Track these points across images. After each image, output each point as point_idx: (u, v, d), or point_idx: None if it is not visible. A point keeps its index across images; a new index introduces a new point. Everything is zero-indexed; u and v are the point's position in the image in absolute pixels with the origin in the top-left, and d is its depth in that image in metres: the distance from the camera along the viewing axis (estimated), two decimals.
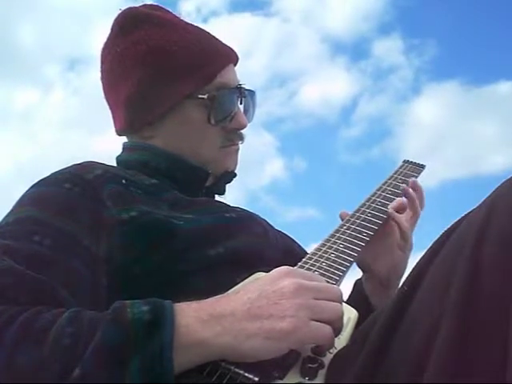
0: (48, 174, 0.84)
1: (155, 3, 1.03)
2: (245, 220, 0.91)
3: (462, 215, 0.63)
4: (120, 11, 0.99)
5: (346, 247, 0.85)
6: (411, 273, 0.64)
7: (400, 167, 1.08)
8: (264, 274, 0.75)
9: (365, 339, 0.62)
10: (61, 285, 0.67)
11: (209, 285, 0.73)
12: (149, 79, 0.94)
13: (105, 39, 0.99)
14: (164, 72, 0.93)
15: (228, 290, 0.69)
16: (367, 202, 0.98)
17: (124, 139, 1.02)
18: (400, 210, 0.98)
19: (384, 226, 0.94)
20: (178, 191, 0.90)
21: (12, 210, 0.78)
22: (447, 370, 0.52)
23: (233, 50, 1.01)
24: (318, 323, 0.60)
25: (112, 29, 0.99)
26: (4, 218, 0.76)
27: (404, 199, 1.00)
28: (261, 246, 0.88)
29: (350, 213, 0.96)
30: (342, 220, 0.95)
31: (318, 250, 0.84)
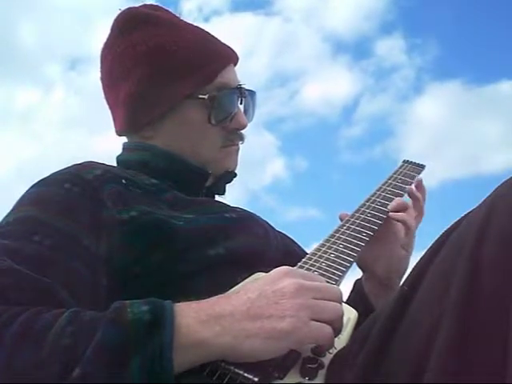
0: (49, 173, 0.84)
1: (155, 3, 1.03)
2: (245, 220, 0.91)
3: (462, 215, 0.63)
4: (120, 11, 0.99)
5: (345, 247, 0.85)
6: (411, 273, 0.64)
7: (400, 167, 1.08)
8: (264, 274, 0.75)
9: (365, 339, 0.62)
10: (61, 285, 0.67)
11: (209, 285, 0.73)
12: (149, 79, 0.94)
13: (105, 39, 0.99)
14: (164, 72, 0.94)
15: (228, 290, 0.69)
16: (367, 202, 0.98)
17: (124, 139, 1.02)
18: (400, 209, 0.98)
19: (384, 225, 0.94)
20: (178, 191, 0.90)
21: (12, 210, 0.78)
22: (447, 369, 0.52)
23: (233, 50, 1.01)
24: (318, 323, 0.60)
25: (112, 29, 0.99)
26: (4, 218, 0.76)
27: (404, 199, 1.00)
28: (261, 247, 0.88)
29: (350, 213, 0.96)
30: (342, 221, 0.95)
31: (318, 250, 0.84)
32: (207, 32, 1.01)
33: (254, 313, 0.59)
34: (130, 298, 0.62)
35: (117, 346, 0.56)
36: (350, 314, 0.71)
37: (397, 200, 0.97)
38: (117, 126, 1.01)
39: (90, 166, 0.85)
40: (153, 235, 0.78)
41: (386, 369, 0.58)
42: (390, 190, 1.00)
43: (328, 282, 0.74)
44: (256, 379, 0.58)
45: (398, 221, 0.95)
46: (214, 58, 0.96)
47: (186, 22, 1.00)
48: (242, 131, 1.00)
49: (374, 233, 0.90)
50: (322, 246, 0.85)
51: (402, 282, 0.68)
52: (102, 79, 1.00)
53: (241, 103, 0.99)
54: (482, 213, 0.58)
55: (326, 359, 0.63)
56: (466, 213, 0.63)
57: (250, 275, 0.77)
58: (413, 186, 1.02)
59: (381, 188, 1.01)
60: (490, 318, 0.52)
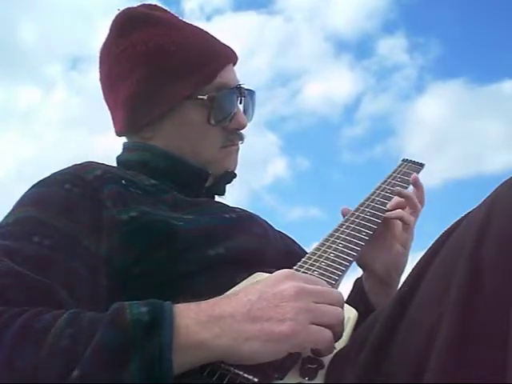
0: (49, 174, 0.84)
1: (154, 3, 1.03)
2: (245, 220, 0.91)
3: (463, 215, 0.63)
4: (118, 11, 0.99)
5: (345, 246, 0.85)
6: (411, 273, 0.64)
7: (399, 166, 1.08)
8: (264, 274, 0.75)
9: (365, 339, 0.62)
10: (60, 285, 0.67)
11: (209, 285, 0.73)
12: (148, 80, 0.94)
13: (103, 40, 0.99)
14: (163, 72, 0.93)
15: (228, 290, 0.69)
16: (366, 201, 0.98)
17: (124, 139, 1.02)
18: (399, 207, 0.98)
19: (382, 223, 0.94)
20: (178, 192, 0.90)
21: (12, 211, 0.78)
22: (447, 369, 0.52)
23: (232, 50, 1.01)
24: (318, 327, 0.60)
25: (111, 29, 0.99)
26: (4, 219, 0.77)
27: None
28: (261, 247, 0.88)
29: (351, 211, 0.96)
30: (344, 216, 0.95)
31: (318, 249, 0.84)
32: (206, 32, 1.00)
33: (254, 315, 0.59)
34: (129, 298, 0.62)
35: (116, 347, 0.56)
36: (350, 314, 0.71)
37: (395, 199, 0.97)
38: (116, 127, 1.01)
39: (89, 166, 0.85)
40: (153, 236, 0.78)
41: (386, 369, 0.58)
42: (389, 189, 1.00)
43: (327, 282, 0.74)
44: (256, 380, 0.58)
45: (395, 218, 0.95)
46: (213, 58, 0.96)
47: (185, 22, 1.00)
48: (242, 131, 1.00)
49: (374, 232, 0.90)
50: (322, 245, 0.85)
51: (402, 282, 0.68)
52: (101, 80, 1.00)
53: (240, 103, 0.99)
54: (482, 213, 0.58)
55: (326, 359, 0.63)
56: (466, 213, 0.63)
57: (249, 275, 0.77)
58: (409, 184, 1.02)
59: (380, 187, 1.01)
60: (490, 317, 0.52)
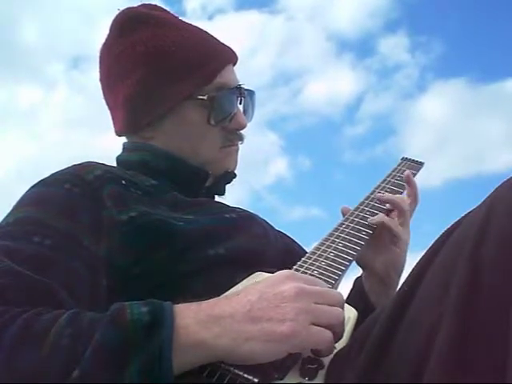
0: (49, 173, 0.84)
1: (154, 3, 1.03)
2: (245, 220, 0.91)
3: (463, 215, 0.63)
4: (118, 11, 0.99)
5: (344, 246, 0.84)
6: (411, 273, 0.64)
7: (398, 165, 1.08)
8: (264, 274, 0.75)
9: (365, 339, 0.62)
10: (60, 285, 0.67)
11: (209, 285, 0.73)
12: (148, 80, 0.94)
13: (103, 40, 0.99)
14: (163, 72, 0.93)
15: (228, 290, 0.69)
16: (366, 200, 0.98)
17: (124, 139, 1.02)
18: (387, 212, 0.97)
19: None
20: (178, 192, 0.90)
21: (12, 211, 0.78)
22: (447, 369, 0.52)
23: (232, 50, 1.01)
24: (318, 328, 0.60)
25: (111, 29, 0.99)
26: (4, 219, 0.77)
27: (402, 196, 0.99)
28: (261, 247, 0.88)
29: (351, 210, 0.96)
30: (344, 215, 0.95)
31: (317, 249, 0.84)
32: (206, 32, 1.00)
33: (254, 315, 0.59)
34: (129, 298, 0.62)
35: (116, 347, 0.56)
36: (350, 314, 0.71)
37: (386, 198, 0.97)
38: (116, 127, 1.01)
39: (89, 166, 0.85)
40: (152, 236, 0.78)
41: (386, 369, 0.58)
42: (388, 188, 1.00)
43: (327, 282, 0.74)
44: (256, 380, 0.58)
45: (376, 224, 0.93)
46: (213, 58, 0.96)
47: (184, 22, 1.00)
48: (242, 131, 1.00)
49: (374, 232, 0.90)
50: (321, 244, 0.85)
51: (402, 282, 0.68)
52: (101, 80, 1.00)
53: (240, 103, 0.99)
54: (482, 213, 0.58)
55: (326, 359, 0.63)
56: (466, 213, 0.63)
57: (249, 275, 0.77)
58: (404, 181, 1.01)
59: (379, 186, 1.01)
60: (490, 317, 0.52)
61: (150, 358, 0.55)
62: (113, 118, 1.01)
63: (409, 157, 1.10)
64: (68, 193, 0.79)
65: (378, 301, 0.96)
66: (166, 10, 1.01)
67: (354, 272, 1.02)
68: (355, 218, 0.93)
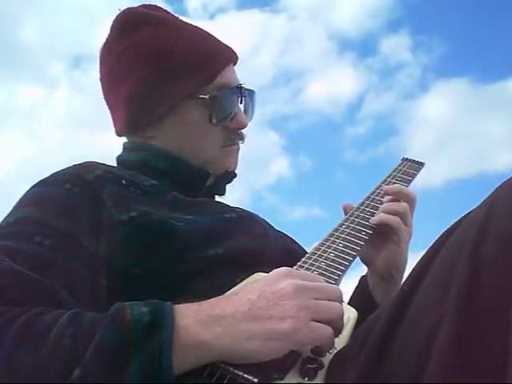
0: (50, 173, 0.84)
1: (154, 3, 1.03)
2: (245, 220, 0.91)
3: (463, 215, 0.63)
4: (119, 11, 0.99)
5: (345, 246, 0.85)
6: (411, 273, 0.64)
7: (399, 165, 1.08)
8: (263, 274, 0.75)
9: (365, 339, 0.62)
10: (61, 285, 0.67)
11: (209, 285, 0.73)
12: (149, 80, 0.94)
13: (104, 40, 0.99)
14: (164, 72, 0.94)
15: (228, 290, 0.69)
16: (366, 200, 0.98)
17: (124, 139, 1.02)
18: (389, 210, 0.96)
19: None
20: (179, 191, 0.90)
21: (12, 211, 0.78)
22: (447, 370, 0.52)
23: (233, 50, 1.01)
24: (319, 324, 0.60)
25: (111, 29, 0.99)
26: (4, 219, 0.77)
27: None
28: (261, 247, 0.88)
29: (353, 206, 0.96)
30: (346, 212, 0.95)
31: (318, 249, 0.84)
32: (207, 32, 1.01)
33: (255, 314, 0.59)
34: (129, 298, 0.62)
35: (117, 347, 0.56)
36: (350, 314, 0.71)
37: (383, 200, 0.97)
38: (117, 127, 1.01)
39: (90, 166, 0.85)
40: (153, 236, 0.78)
41: (386, 369, 0.58)
42: None
43: (327, 282, 0.74)
44: (255, 380, 0.58)
45: (378, 223, 0.93)
46: (214, 58, 0.96)
47: (185, 22, 1.00)
48: (242, 131, 1.00)
49: (374, 232, 0.90)
50: (322, 245, 0.85)
51: (402, 282, 0.68)
52: (102, 80, 1.00)
53: (241, 103, 0.99)
54: (482, 213, 0.58)
55: (326, 359, 0.63)
56: (466, 213, 0.63)
57: (249, 275, 0.77)
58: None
59: (380, 187, 1.01)
60: (490, 318, 0.52)
61: (150, 358, 0.55)
62: (113, 118, 1.01)
63: (409, 157, 1.10)
64: (68, 193, 0.79)
65: (382, 298, 0.96)
66: (166, 11, 1.02)
67: (356, 272, 1.03)
68: (355, 218, 0.93)
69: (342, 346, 0.65)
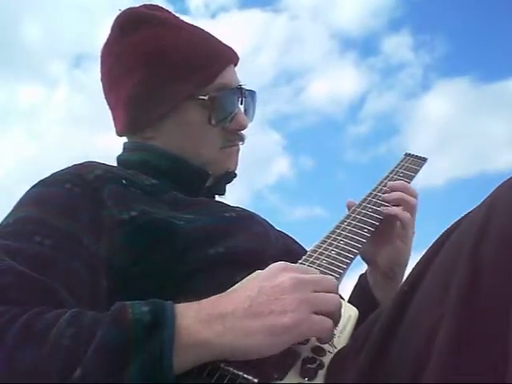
0: (50, 173, 0.84)
1: (155, 3, 1.03)
2: (245, 220, 0.91)
3: (463, 215, 0.63)
4: (120, 11, 0.99)
5: (346, 244, 0.85)
6: (411, 273, 0.64)
7: (402, 160, 1.08)
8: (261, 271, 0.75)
9: (365, 339, 0.62)
10: (61, 285, 0.67)
11: (209, 285, 0.73)
12: (149, 80, 0.94)
13: (104, 40, 0.99)
14: (164, 73, 0.94)
15: (228, 289, 0.69)
16: (368, 196, 0.98)
17: (125, 139, 1.02)
18: (396, 203, 0.97)
19: (385, 219, 0.94)
20: (179, 191, 0.90)
21: (12, 211, 0.78)
22: (447, 370, 0.52)
23: (233, 51, 1.01)
24: (319, 316, 0.61)
25: (112, 29, 0.99)
26: (5, 219, 0.77)
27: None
28: (261, 246, 0.88)
29: (355, 205, 0.96)
30: (349, 209, 0.95)
31: (319, 246, 0.84)
32: (208, 32, 1.01)
33: (256, 310, 0.59)
34: (130, 298, 0.62)
35: (117, 347, 0.56)
36: (351, 312, 0.71)
37: (392, 194, 0.97)
38: (117, 127, 1.01)
39: (90, 166, 0.85)
40: (153, 235, 0.78)
41: (386, 369, 0.58)
42: None
43: None
44: (255, 380, 0.58)
45: (387, 215, 0.94)
46: (214, 59, 0.96)
47: (185, 22, 1.00)
48: (243, 131, 1.00)
49: (375, 228, 0.90)
50: (323, 242, 0.85)
51: (402, 282, 0.68)
52: (103, 80, 1.00)
53: (241, 103, 0.99)
54: (482, 213, 0.58)
55: (326, 359, 0.63)
56: (466, 212, 0.63)
57: (249, 274, 0.77)
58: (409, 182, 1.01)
59: (382, 182, 1.01)
60: (490, 317, 0.52)
61: (151, 357, 0.55)
62: (114, 118, 1.01)
63: (412, 152, 1.10)
64: (68, 192, 0.79)
65: (383, 295, 0.96)
66: (167, 11, 1.02)
67: (356, 272, 1.03)
68: (357, 215, 0.93)
69: (341, 346, 0.65)
